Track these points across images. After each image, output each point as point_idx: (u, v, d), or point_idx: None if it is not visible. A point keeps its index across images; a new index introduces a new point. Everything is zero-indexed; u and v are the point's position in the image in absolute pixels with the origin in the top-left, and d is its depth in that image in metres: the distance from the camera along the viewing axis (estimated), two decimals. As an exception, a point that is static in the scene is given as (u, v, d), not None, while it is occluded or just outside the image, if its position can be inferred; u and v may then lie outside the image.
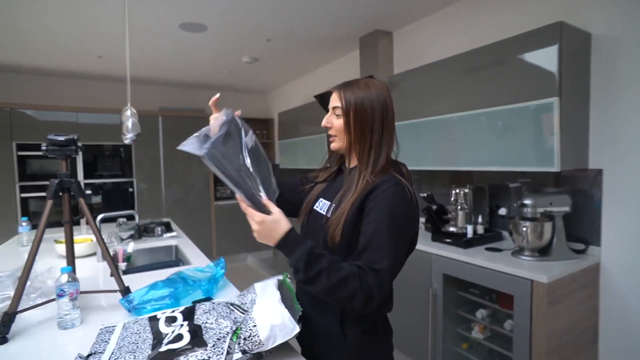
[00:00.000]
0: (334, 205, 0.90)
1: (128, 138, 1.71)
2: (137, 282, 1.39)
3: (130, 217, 2.54)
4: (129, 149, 3.96)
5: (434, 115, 2.10)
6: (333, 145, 0.94)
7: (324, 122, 0.94)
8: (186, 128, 4.29)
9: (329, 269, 0.75)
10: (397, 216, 0.82)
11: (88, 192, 3.72)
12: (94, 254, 1.84)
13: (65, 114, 3.63)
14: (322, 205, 0.96)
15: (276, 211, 0.80)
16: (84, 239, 1.90)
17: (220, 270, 1.41)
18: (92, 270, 1.65)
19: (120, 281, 1.13)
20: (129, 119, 1.69)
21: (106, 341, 0.93)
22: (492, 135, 1.80)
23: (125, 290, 1.13)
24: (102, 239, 1.16)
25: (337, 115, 0.91)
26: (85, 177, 3.71)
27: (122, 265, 1.84)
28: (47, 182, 3.40)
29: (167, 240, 2.26)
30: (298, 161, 3.89)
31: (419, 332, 1.97)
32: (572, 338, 1.56)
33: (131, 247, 1.95)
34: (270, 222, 0.78)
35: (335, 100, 0.92)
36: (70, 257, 1.13)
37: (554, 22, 1.52)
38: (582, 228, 1.73)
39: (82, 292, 1.12)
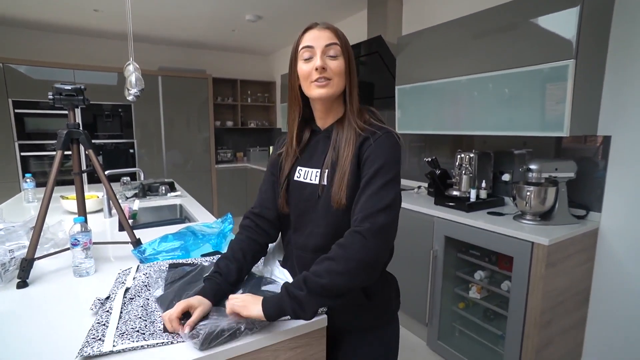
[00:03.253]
0: (327, 170, 0.85)
1: (132, 94, 1.67)
2: (144, 237, 1.41)
3: (134, 177, 2.54)
4: (128, 110, 3.89)
5: (442, 78, 2.06)
6: (324, 91, 0.82)
7: (320, 63, 0.80)
8: (186, 89, 4.20)
9: (311, 272, 0.73)
10: (387, 162, 0.81)
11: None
12: (101, 210, 1.86)
13: (62, 71, 3.52)
14: (306, 174, 0.90)
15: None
16: (89, 195, 1.91)
17: (228, 225, 1.43)
18: (100, 226, 1.68)
19: (132, 233, 1.15)
20: (132, 74, 1.64)
21: (122, 282, 0.96)
22: (501, 100, 1.77)
23: (137, 242, 1.15)
24: (113, 191, 1.17)
25: (333, 56, 0.82)
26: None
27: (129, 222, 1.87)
28: (44, 141, 3.33)
29: (172, 199, 2.28)
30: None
31: (418, 292, 2.05)
32: (566, 299, 1.63)
33: (136, 204, 1.97)
34: (244, 296, 0.75)
35: (329, 37, 0.82)
36: (82, 209, 1.14)
37: (577, -22, 1.45)
38: (584, 194, 1.75)
39: (94, 243, 1.14)
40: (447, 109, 2.06)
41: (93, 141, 3.74)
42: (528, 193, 1.63)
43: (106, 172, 1.87)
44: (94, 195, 1.91)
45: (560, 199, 1.65)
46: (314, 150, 0.92)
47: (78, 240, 1.04)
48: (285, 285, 0.75)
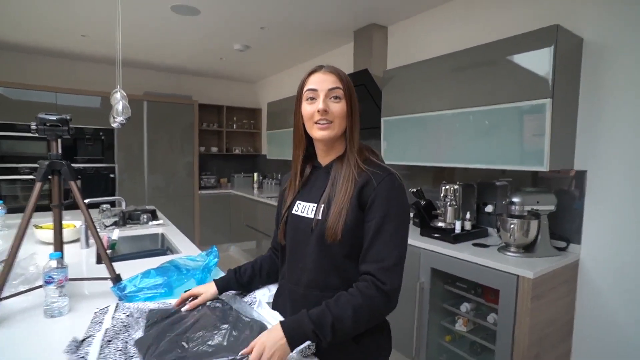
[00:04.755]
0: (322, 205, 0.87)
1: (117, 122, 1.65)
2: (123, 269, 1.35)
3: (114, 204, 2.46)
4: (111, 134, 3.82)
5: (426, 112, 2.13)
6: (326, 134, 0.86)
7: (322, 106, 0.84)
8: (172, 114, 4.19)
9: (337, 318, 0.74)
10: (397, 207, 0.83)
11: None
12: (77, 240, 1.78)
13: (43, 93, 3.45)
14: (303, 209, 0.91)
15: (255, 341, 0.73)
16: (66, 224, 1.83)
17: (212, 259, 1.39)
18: (76, 257, 1.60)
19: (111, 268, 1.10)
20: (119, 102, 1.62)
21: (100, 322, 0.90)
22: (483, 134, 1.83)
23: (116, 278, 1.10)
24: (94, 224, 1.12)
25: (336, 98, 0.86)
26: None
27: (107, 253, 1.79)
28: (18, 165, 3.20)
29: (153, 228, 2.21)
30: (286, 152, 3.86)
31: (404, 325, 2.01)
32: (551, 332, 1.63)
33: (116, 233, 1.89)
34: (265, 340, 0.71)
35: (333, 82, 0.86)
36: (59, 243, 1.09)
37: (551, 25, 1.55)
38: (564, 226, 1.80)
39: (71, 279, 1.08)
40: (431, 141, 2.12)
41: (72, 165, 3.63)
42: (512, 226, 1.66)
43: (86, 201, 1.81)
44: (71, 225, 1.83)
45: (542, 232, 1.69)
46: (313, 185, 0.94)
47: (52, 278, 0.98)
48: (313, 328, 0.73)
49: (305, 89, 0.89)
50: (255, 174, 4.84)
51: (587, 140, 1.73)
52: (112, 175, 3.86)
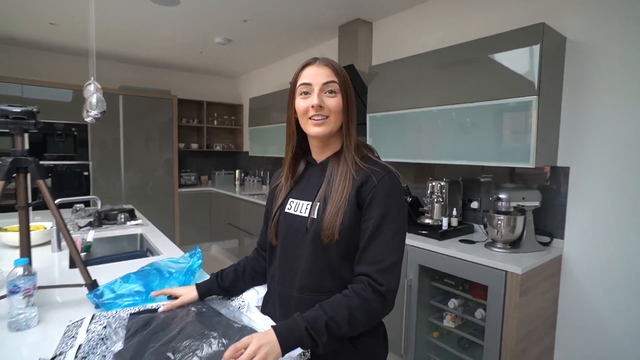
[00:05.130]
0: (318, 203, 0.83)
1: (91, 116, 1.54)
2: (100, 273, 1.27)
3: (89, 204, 2.33)
4: (84, 129, 3.64)
5: (412, 108, 2.11)
6: (321, 130, 0.82)
7: (317, 101, 0.80)
8: (150, 109, 4.03)
9: (332, 319, 0.71)
10: (397, 207, 0.80)
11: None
12: (48, 242, 1.66)
13: (7, 85, 3.24)
14: (297, 207, 0.87)
15: (250, 338, 0.69)
16: (35, 226, 1.71)
17: (196, 261, 1.32)
18: (47, 262, 1.49)
19: (86, 273, 1.02)
20: (93, 95, 1.52)
21: (73, 336, 0.83)
22: (468, 131, 1.83)
23: (92, 284, 1.02)
24: (66, 227, 1.04)
25: (331, 92, 0.82)
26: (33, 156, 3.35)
27: (82, 256, 1.68)
28: None
29: (131, 228, 2.11)
30: (268, 149, 3.79)
31: (392, 322, 2.00)
32: (536, 326, 1.65)
33: (91, 235, 1.79)
34: (259, 340, 0.67)
35: (327, 75, 0.82)
36: (26, 248, 1.00)
37: (537, 23, 1.56)
38: (547, 222, 1.83)
39: (40, 288, 1.00)
40: (416, 138, 2.11)
41: (41, 162, 3.43)
42: (499, 222, 1.67)
43: (57, 201, 1.70)
44: (40, 226, 1.71)
45: (527, 227, 1.70)
46: (307, 182, 0.90)
47: (18, 287, 0.90)
48: (306, 326, 0.70)
49: (298, 83, 0.85)
50: (237, 171, 4.73)
51: (570, 137, 1.75)
52: (85, 173, 3.68)
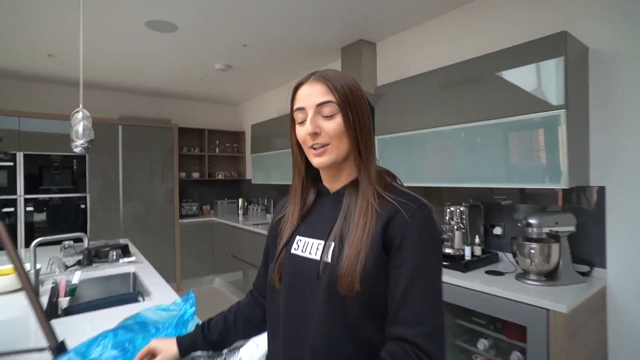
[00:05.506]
0: (332, 244, 0.67)
1: (78, 145, 1.42)
2: (81, 327, 1.10)
3: (79, 240, 2.17)
4: (82, 161, 3.53)
5: (422, 129, 1.97)
6: (322, 160, 0.69)
7: (311, 129, 0.67)
8: (150, 138, 3.94)
9: None
10: (434, 249, 0.65)
11: (29, 208, 3.24)
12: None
13: (5, 119, 3.17)
14: (305, 246, 0.72)
15: None
16: (3, 270, 1.54)
17: (189, 308, 1.14)
18: (18, 311, 1.31)
19: (50, 334, 0.84)
20: (80, 122, 1.40)
21: None
22: (485, 151, 1.68)
23: (57, 348, 0.84)
24: (25, 273, 0.87)
25: (328, 116, 0.68)
26: (27, 191, 3.24)
27: (65, 301, 1.51)
28: None
29: (124, 266, 1.93)
30: (271, 176, 3.66)
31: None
32: (584, 371, 1.43)
33: (77, 276, 1.62)
34: None
35: (321, 93, 0.68)
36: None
37: (560, 32, 1.44)
38: (584, 249, 1.64)
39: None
40: (429, 160, 1.96)
41: (36, 196, 3.33)
42: (532, 251, 1.49)
43: (38, 240, 1.54)
44: (9, 270, 1.54)
45: (563, 256, 1.51)
46: (319, 216, 0.74)
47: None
48: None
49: (294, 107, 0.72)
50: (240, 200, 4.59)
51: (602, 154, 1.59)
52: (82, 206, 3.54)
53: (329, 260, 0.67)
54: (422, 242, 0.63)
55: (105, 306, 1.41)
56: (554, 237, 1.54)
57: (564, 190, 1.70)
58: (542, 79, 1.49)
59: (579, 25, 1.64)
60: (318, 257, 0.69)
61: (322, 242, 0.69)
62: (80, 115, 1.46)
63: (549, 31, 1.56)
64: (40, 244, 1.54)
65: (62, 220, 3.41)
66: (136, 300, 1.55)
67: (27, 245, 2.89)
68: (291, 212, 0.78)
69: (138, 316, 1.01)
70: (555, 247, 1.49)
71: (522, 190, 1.87)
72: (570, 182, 1.43)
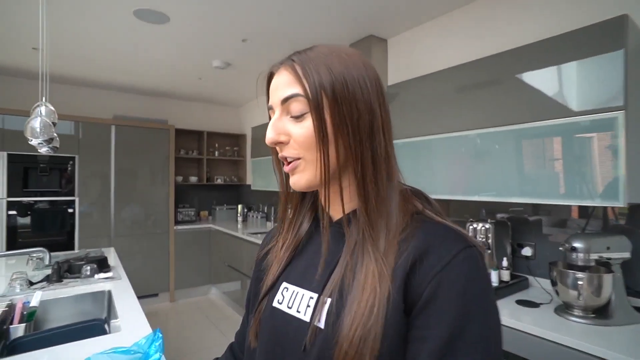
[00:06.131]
0: (328, 299, 0.45)
1: (34, 144, 1.18)
2: None
3: (71, 246, 1.94)
4: (72, 162, 3.32)
5: (447, 132, 1.73)
6: (295, 180, 0.49)
7: (271, 136, 0.48)
8: (145, 140, 3.73)
9: None
10: (486, 317, 0.41)
11: (12, 212, 3.03)
12: (-28, 313, 1.25)
13: (-10, 117, 2.97)
14: (293, 299, 0.50)
15: None
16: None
17: (153, 353, 0.90)
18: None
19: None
20: (36, 118, 1.17)
21: None
22: (525, 159, 1.43)
23: None
24: None
25: (297, 117, 0.46)
26: (10, 194, 3.03)
27: (19, 329, 1.27)
28: None
29: (99, 283, 1.69)
30: (272, 182, 3.42)
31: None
32: None
33: (37, 298, 1.38)
34: None
35: (286, 84, 0.47)
36: None
37: (619, 16, 1.19)
38: (638, 279, 1.37)
39: None
40: (456, 170, 1.70)
41: (20, 199, 3.10)
42: (579, 282, 1.22)
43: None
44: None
45: (617, 288, 1.25)
46: (314, 256, 0.51)
47: None
48: None
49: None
50: (240, 206, 4.35)
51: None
52: (71, 210, 3.32)
53: (322, 324, 0.44)
54: (465, 303, 0.40)
55: (65, 338, 1.17)
56: (604, 264, 1.28)
57: (612, 207, 1.44)
58: (594, 74, 1.23)
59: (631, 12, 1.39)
60: (307, 318, 0.46)
61: (316, 297, 0.46)
62: (43, 110, 1.23)
63: (576, 25, 1.31)
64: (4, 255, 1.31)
65: (48, 225, 3.19)
66: (103, 331, 1.31)
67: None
68: (279, 246, 0.56)
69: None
70: (607, 278, 1.23)
71: (534, 206, 1.62)
72: (630, 197, 1.17)
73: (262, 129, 3.63)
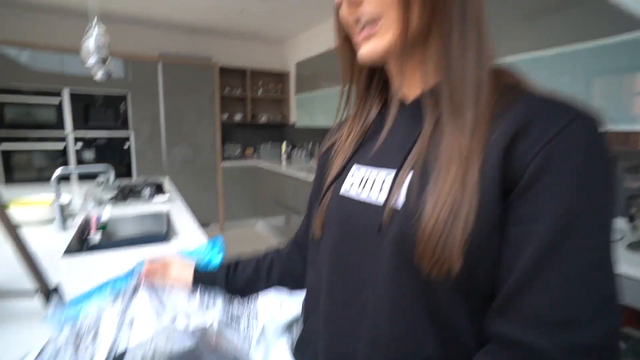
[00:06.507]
0: (408, 175, 0.40)
1: (92, 64, 1.21)
2: (102, 265, 0.98)
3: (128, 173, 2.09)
4: (124, 100, 3.46)
5: (520, 52, 1.53)
6: (369, 48, 0.41)
7: None
8: (190, 78, 3.77)
9: None
10: (600, 191, 0.34)
11: (79, 144, 3.29)
12: (53, 220, 1.40)
13: (49, 55, 3.11)
14: (363, 180, 0.46)
15: None
16: (41, 201, 1.47)
17: (216, 254, 0.96)
18: (41, 245, 1.22)
19: (39, 277, 0.68)
20: (90, 38, 1.17)
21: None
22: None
23: (49, 293, 0.68)
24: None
25: None
26: (75, 128, 3.27)
27: (95, 237, 1.42)
28: (28, 133, 2.86)
29: (157, 205, 1.82)
30: (317, 118, 3.37)
31: None
32: None
33: (107, 212, 1.52)
34: None
35: None
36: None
37: None
38: None
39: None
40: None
41: (84, 133, 3.32)
42: (663, 212, 1.10)
43: (59, 170, 1.41)
44: (46, 202, 1.46)
45: None
46: (387, 137, 0.45)
47: None
48: None
49: None
50: (284, 144, 4.39)
51: None
52: (126, 146, 3.54)
53: (399, 204, 0.39)
54: (579, 179, 0.33)
55: (133, 244, 1.29)
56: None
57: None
58: None
59: None
60: (381, 201, 0.42)
61: (393, 173, 0.42)
62: (96, 31, 1.24)
63: None
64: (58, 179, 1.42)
65: (109, 158, 3.45)
66: (165, 240, 1.42)
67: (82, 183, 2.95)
68: (344, 138, 0.51)
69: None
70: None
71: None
72: None
73: (306, 64, 3.50)
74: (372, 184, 0.44)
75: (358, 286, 0.43)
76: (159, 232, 1.58)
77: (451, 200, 0.35)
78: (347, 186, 0.48)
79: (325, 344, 0.47)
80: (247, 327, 0.56)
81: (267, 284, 0.66)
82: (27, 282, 0.73)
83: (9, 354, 0.58)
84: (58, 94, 3.15)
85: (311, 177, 3.09)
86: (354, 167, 0.48)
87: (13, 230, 0.65)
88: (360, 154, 0.49)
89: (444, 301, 0.37)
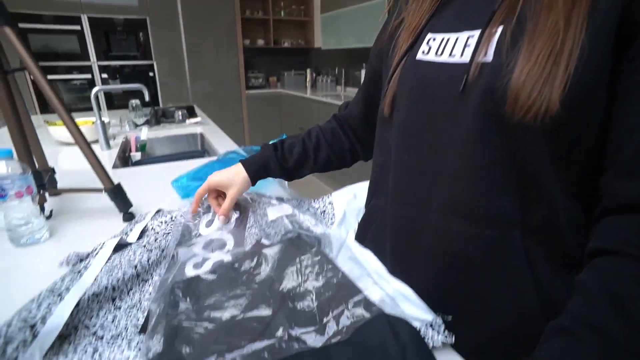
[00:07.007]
0: (499, 28, 0.36)
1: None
2: (153, 174, 1.02)
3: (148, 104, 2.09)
4: (144, 26, 3.33)
5: None
6: None
7: None
8: (209, 9, 3.54)
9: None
10: None
11: (104, 75, 3.27)
12: (96, 141, 1.44)
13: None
14: (442, 45, 0.41)
15: None
16: (84, 121, 1.50)
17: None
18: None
19: (105, 177, 0.71)
20: None
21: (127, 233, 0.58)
22: None
23: (114, 190, 0.71)
24: (69, 114, 0.70)
25: None
26: (99, 58, 3.22)
27: (137, 155, 1.47)
28: (52, 63, 2.83)
29: (190, 127, 1.84)
30: (345, 40, 3.16)
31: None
32: None
33: (144, 133, 1.54)
34: None
35: None
36: (16, 134, 0.69)
37: None
38: None
39: (56, 192, 0.73)
40: None
41: (108, 63, 3.30)
42: None
43: (97, 88, 1.41)
44: (89, 121, 1.49)
45: None
46: (466, 2, 0.41)
47: (4, 190, 0.62)
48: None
49: None
50: (308, 71, 4.22)
51: None
52: (151, 74, 3.49)
53: (489, 59, 0.35)
54: None
55: (175, 160, 1.32)
56: None
57: None
58: None
59: None
60: (466, 59, 0.37)
61: (476, 33, 0.37)
62: None
63: None
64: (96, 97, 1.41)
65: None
66: (203, 157, 1.45)
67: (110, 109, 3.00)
68: (413, 8, 0.46)
69: (236, 151, 0.91)
70: None
71: None
72: None
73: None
74: (454, 45, 0.40)
75: (434, 152, 0.41)
76: (198, 150, 1.62)
77: (549, 52, 0.31)
78: (424, 49, 0.43)
79: (394, 215, 0.47)
80: (324, 213, 0.59)
81: (315, 167, 0.65)
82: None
83: (85, 243, 0.63)
84: (78, 20, 3.05)
85: (337, 101, 3.00)
86: (429, 35, 0.43)
87: (85, 141, 0.67)
88: (437, 22, 0.44)
89: (529, 157, 0.35)
